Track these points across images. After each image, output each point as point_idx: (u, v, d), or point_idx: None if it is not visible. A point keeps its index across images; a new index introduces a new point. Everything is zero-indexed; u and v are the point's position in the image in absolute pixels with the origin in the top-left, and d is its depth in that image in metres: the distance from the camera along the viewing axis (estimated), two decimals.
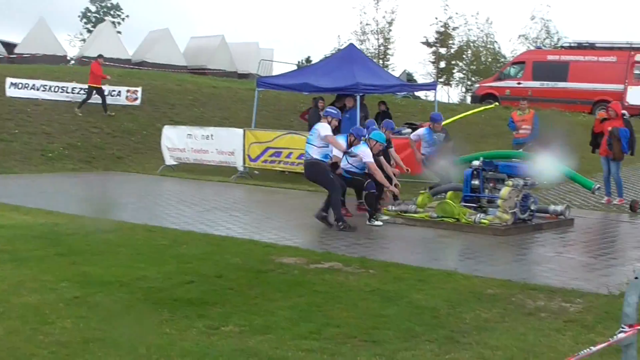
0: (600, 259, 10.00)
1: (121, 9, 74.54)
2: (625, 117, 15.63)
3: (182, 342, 5.99)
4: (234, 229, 11.51)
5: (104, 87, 25.32)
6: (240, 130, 19.87)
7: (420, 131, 15.37)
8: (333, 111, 12.70)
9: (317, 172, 12.17)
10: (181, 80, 33.38)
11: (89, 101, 25.13)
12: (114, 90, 26.63)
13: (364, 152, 12.16)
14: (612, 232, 13.07)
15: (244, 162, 19.51)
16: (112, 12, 73.23)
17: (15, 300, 7.17)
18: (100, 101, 25.13)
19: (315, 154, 12.03)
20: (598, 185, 13.58)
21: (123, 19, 74.38)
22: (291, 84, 20.69)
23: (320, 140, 11.98)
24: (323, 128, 12.07)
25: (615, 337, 2.50)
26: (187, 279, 8.14)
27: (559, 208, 12.99)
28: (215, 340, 6.11)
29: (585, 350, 2.43)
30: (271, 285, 7.94)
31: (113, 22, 63.53)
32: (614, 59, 30.78)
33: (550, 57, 33.13)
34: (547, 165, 11.94)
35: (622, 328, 2.53)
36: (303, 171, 13.17)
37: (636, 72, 30.23)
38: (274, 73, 39.98)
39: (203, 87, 31.74)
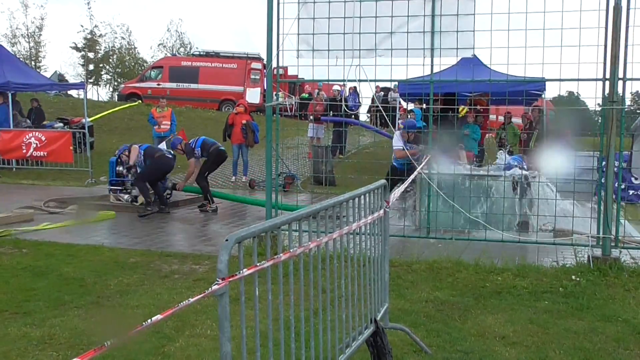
0: (226, 227, 10.39)
1: None
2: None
3: None
4: None
5: None
6: None
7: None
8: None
9: None
10: None
11: None
12: None
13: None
14: (239, 206, 13.48)
15: None
16: None
17: None
18: None
19: None
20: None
21: None
22: None
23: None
24: None
25: (210, 289, 2.60)
26: None
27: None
28: None
29: (185, 302, 2.50)
30: None
31: None
32: (235, 65, 32.09)
33: (184, 63, 33.45)
34: None
35: (217, 281, 2.65)
36: None
37: (252, 77, 31.86)
38: None
39: None
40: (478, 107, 15.34)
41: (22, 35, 49.68)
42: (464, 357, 4.89)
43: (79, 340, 5.13)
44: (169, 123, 17.39)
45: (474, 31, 8.08)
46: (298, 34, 8.50)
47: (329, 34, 8.39)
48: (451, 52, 8.31)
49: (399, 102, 21.47)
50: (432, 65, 8.54)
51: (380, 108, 13.29)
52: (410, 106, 16.54)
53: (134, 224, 10.52)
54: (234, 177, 16.32)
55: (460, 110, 14.02)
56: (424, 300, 6.33)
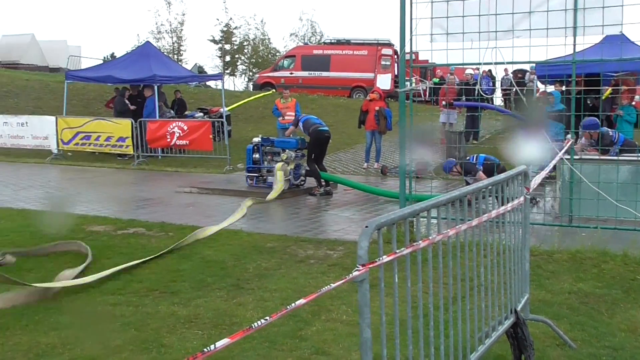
0: (358, 214, 10.43)
1: None
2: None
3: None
4: (48, 204, 10.85)
5: None
6: (53, 118, 18.81)
7: None
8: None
9: None
10: None
11: None
12: None
13: None
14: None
15: (58, 146, 18.48)
16: None
17: None
18: None
19: None
20: None
21: None
22: (97, 76, 19.94)
23: None
24: None
25: (351, 275, 2.61)
26: (4, 250, 7.59)
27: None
28: (31, 302, 5.76)
29: (326, 287, 2.52)
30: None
31: None
32: (365, 52, 32.10)
33: (315, 51, 33.87)
34: None
35: (357, 267, 2.65)
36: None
37: (383, 63, 31.76)
38: (82, 67, 37.90)
39: (16, 80, 29.51)
40: (624, 87, 14.41)
41: (165, 31, 52.39)
42: (612, 354, 4.63)
43: (222, 320, 5.34)
44: (294, 114, 17.29)
45: (622, 6, 7.58)
46: (432, 18, 8.35)
47: (463, 16, 8.18)
48: (596, 29, 7.85)
49: (536, 85, 20.62)
50: (574, 45, 8.12)
51: (519, 91, 12.78)
52: (550, 88, 15.83)
53: (269, 210, 10.80)
54: (365, 164, 16.35)
55: (605, 91, 13.25)
56: (567, 292, 6.05)
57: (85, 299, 5.87)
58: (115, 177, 15.09)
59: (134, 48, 36.44)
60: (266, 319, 2.27)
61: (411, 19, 8.25)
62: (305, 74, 32.24)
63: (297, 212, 10.54)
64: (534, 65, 18.68)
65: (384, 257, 2.90)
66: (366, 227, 2.82)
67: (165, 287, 6.22)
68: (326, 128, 12.71)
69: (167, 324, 5.28)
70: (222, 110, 20.39)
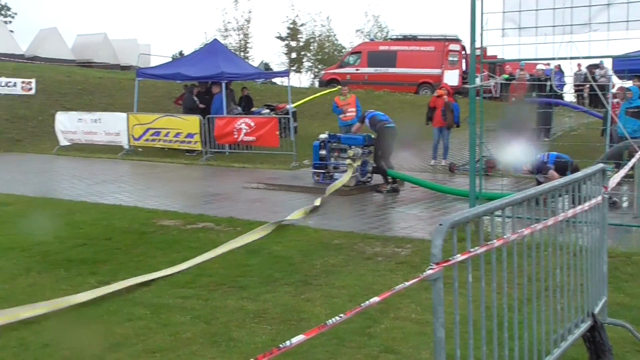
0: (426, 211, 10.33)
1: (10, 9, 69.69)
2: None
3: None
4: (120, 198, 11.15)
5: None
6: (124, 114, 19.34)
7: None
8: None
9: None
10: (70, 72, 31.84)
11: None
12: (10, 82, 25.20)
13: None
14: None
15: (129, 141, 18.99)
16: (2, 12, 68.32)
17: None
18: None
19: None
20: None
21: (13, 17, 69.59)
22: (166, 74, 20.44)
23: None
24: None
25: (424, 273, 2.57)
26: (79, 242, 7.87)
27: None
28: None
29: (399, 286, 2.49)
30: (153, 245, 7.78)
31: (4, 22, 59.37)
32: (432, 48, 31.76)
33: (381, 47, 33.70)
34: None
35: (431, 266, 2.61)
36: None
37: (450, 59, 31.35)
38: (152, 65, 38.81)
39: (90, 78, 30.41)
40: None
41: (232, 28, 52.99)
42: None
43: (290, 315, 5.37)
44: (354, 110, 16.99)
45: None
46: (503, 12, 8.17)
47: (537, 10, 7.97)
48: None
49: (611, 80, 19.95)
50: None
51: (595, 87, 12.37)
52: (628, 84, 15.29)
53: (336, 207, 10.80)
54: (433, 161, 16.17)
55: None
56: None
57: (156, 292, 5.99)
58: (183, 172, 15.39)
59: (201, 46, 36.96)
60: (340, 316, 2.26)
61: (482, 14, 8.10)
62: (371, 70, 32.12)
63: (364, 209, 10.51)
64: (602, 60, 18.06)
65: (458, 255, 2.85)
66: (440, 225, 2.78)
67: (234, 282, 6.30)
68: (393, 124, 12.63)
69: (236, 318, 5.34)
70: (288, 106, 20.54)
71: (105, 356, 4.60)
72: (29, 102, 24.84)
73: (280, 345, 2.08)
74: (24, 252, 7.41)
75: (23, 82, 25.57)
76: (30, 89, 25.54)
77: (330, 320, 2.22)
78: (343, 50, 50.97)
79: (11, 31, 52.30)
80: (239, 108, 20.34)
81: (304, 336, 2.13)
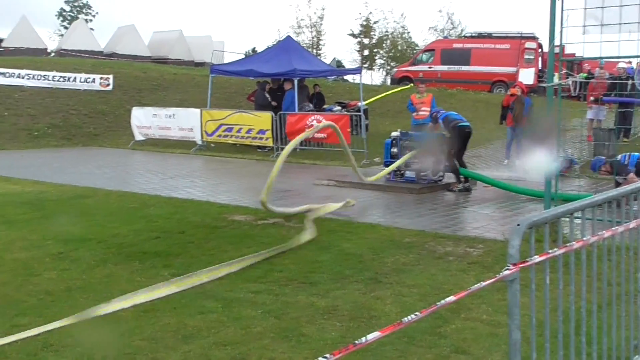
0: (498, 211, 10.17)
1: (91, 7, 72.22)
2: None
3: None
4: (193, 193, 11.41)
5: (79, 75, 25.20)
6: (198, 110, 19.77)
7: None
8: None
9: None
10: (146, 68, 32.75)
11: (68, 88, 25.02)
12: (89, 78, 26.22)
13: None
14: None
15: (202, 137, 19.40)
16: (84, 11, 70.83)
17: (7, 256, 7.07)
18: (77, 87, 24.96)
19: None
20: None
21: (94, 16, 72.11)
22: (239, 70, 20.73)
23: None
24: None
25: (501, 274, 2.55)
26: (154, 235, 8.08)
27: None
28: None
29: (475, 286, 2.48)
30: (224, 239, 7.93)
31: (85, 20, 61.59)
32: (507, 46, 31.15)
33: (455, 45, 33.29)
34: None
35: (508, 266, 2.58)
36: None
37: (526, 57, 30.68)
38: (225, 61, 39.49)
39: (165, 74, 31.19)
40: None
41: (305, 25, 53.45)
42: None
43: (360, 313, 5.38)
44: (429, 109, 16.42)
45: None
46: (585, 9, 7.95)
47: (621, 6, 7.72)
48: None
49: None
50: None
51: None
52: None
53: (406, 205, 10.76)
54: (506, 161, 15.89)
55: None
56: None
57: (227, 286, 6.11)
58: (255, 168, 15.61)
59: (274, 43, 37.38)
60: (416, 315, 2.26)
61: (562, 10, 7.91)
62: (444, 68, 31.75)
63: (435, 208, 10.42)
64: None
65: (536, 257, 2.81)
66: (518, 225, 2.75)
67: (304, 278, 6.35)
68: (467, 123, 12.47)
69: (306, 314, 5.39)
70: (359, 104, 20.54)
71: (178, 347, 4.72)
72: (106, 97, 25.71)
73: (356, 342, 2.10)
74: (101, 243, 7.67)
75: (101, 78, 26.56)
76: (107, 85, 26.47)
77: (405, 318, 2.23)
78: (416, 48, 50.66)
79: (91, 29, 54.19)
80: (311, 105, 20.47)
81: (380, 333, 2.15)
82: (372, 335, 2.10)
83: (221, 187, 12.34)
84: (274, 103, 19.24)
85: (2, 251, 7.29)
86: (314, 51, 50.56)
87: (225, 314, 5.37)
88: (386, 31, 54.52)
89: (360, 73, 22.26)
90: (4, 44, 44.31)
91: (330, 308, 5.52)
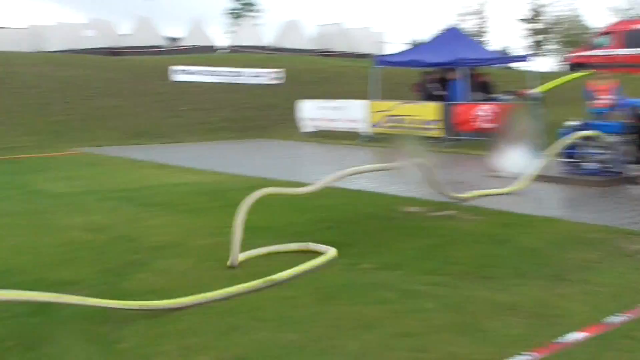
0: None
1: (258, 5, 75.08)
2: None
3: (326, 277, 6.11)
4: (361, 183, 11.50)
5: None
6: (364, 102, 19.98)
7: None
8: None
9: None
10: (311, 62, 33.59)
11: (240, 82, 26.34)
12: (259, 73, 27.44)
13: None
14: None
15: (368, 128, 19.59)
16: (251, 8, 73.79)
17: (192, 243, 7.51)
18: (248, 82, 26.21)
19: None
20: None
21: (260, 13, 74.92)
22: (404, 61, 20.73)
23: None
24: None
25: None
26: (327, 225, 8.27)
27: None
28: (354, 275, 6.18)
29: None
30: (398, 230, 7.95)
31: (252, 17, 64.22)
32: None
33: (638, 27, 30.96)
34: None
35: None
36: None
37: None
38: (386, 52, 39.52)
39: (329, 66, 31.83)
40: None
41: (470, 13, 52.42)
42: None
43: (544, 310, 5.16)
44: (609, 97, 15.28)
45: None
46: None
47: None
48: None
49: None
50: None
51: None
52: None
53: (587, 199, 10.23)
54: None
55: None
56: None
57: (403, 277, 6.11)
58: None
59: (438, 32, 37.06)
60: (628, 316, 2.12)
61: None
62: (627, 51, 29.63)
63: (620, 203, 9.81)
64: None
65: None
66: None
67: (481, 271, 6.21)
68: None
69: (485, 308, 5.26)
70: (530, 92, 19.75)
71: (357, 335, 4.79)
72: (274, 90, 26.71)
73: (559, 340, 2.00)
74: (277, 231, 7.96)
75: (273, 72, 27.64)
76: (281, 79, 27.52)
77: (609, 319, 2.09)
78: (592, 32, 47.88)
79: (258, 25, 56.45)
80: (479, 94, 19.98)
81: (587, 333, 2.04)
82: (577, 335, 2.00)
83: (387, 178, 12.34)
84: (441, 93, 18.99)
85: (186, 237, 7.77)
86: (479, 38, 49.38)
87: (402, 305, 5.37)
88: (560, 15, 52.09)
89: (526, 60, 21.40)
90: (180, 43, 47.42)
91: (510, 304, 5.34)
